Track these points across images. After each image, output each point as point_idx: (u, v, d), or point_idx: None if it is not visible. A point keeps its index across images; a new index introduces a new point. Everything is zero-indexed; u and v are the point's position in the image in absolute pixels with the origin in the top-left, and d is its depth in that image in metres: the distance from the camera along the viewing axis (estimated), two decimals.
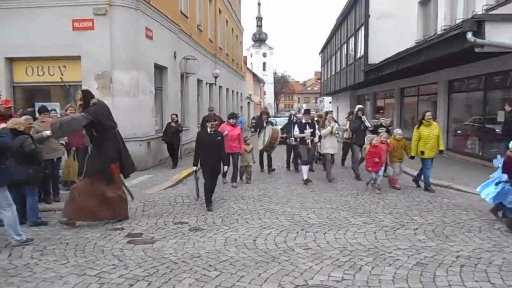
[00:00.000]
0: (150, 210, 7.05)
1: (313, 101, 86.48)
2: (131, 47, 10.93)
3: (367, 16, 20.71)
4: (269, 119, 12.61)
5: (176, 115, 12.38)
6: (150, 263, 4.55)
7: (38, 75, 11.09)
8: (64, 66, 11.00)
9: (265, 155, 11.37)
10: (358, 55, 22.63)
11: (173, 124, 11.98)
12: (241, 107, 35.79)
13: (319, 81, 57.89)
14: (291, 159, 11.71)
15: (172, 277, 4.17)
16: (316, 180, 9.83)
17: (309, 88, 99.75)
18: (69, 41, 10.49)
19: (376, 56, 18.51)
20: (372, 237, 5.46)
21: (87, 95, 6.48)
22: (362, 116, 10.12)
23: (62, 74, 6.69)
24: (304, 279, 4.09)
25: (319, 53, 42.41)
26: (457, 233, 5.58)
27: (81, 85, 10.90)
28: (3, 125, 5.52)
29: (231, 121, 9.30)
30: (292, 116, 12.01)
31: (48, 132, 6.73)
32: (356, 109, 10.56)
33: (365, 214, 6.71)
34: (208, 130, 7.35)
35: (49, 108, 8.45)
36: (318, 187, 9.12)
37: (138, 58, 11.17)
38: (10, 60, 10.96)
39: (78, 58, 10.68)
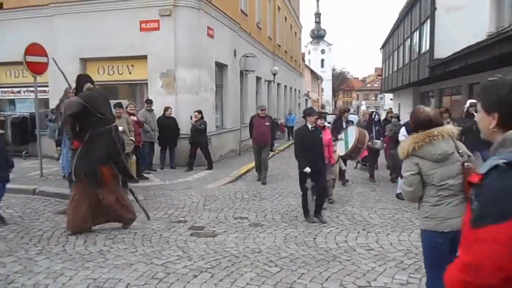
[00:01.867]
0: (211, 204, 7.24)
1: (373, 98, 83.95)
2: (194, 46, 11.26)
3: (433, 8, 19.72)
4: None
5: (199, 112, 10.55)
6: (212, 256, 4.69)
7: (108, 74, 11.80)
8: (132, 65, 11.61)
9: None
10: (423, 50, 21.62)
11: (192, 122, 10.50)
12: (299, 104, 35.61)
13: (379, 77, 56.13)
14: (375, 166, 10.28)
15: (234, 270, 4.26)
16: (377, 180, 9.57)
17: (368, 85, 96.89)
18: (137, 41, 11.04)
19: (443, 51, 17.57)
20: None
21: (80, 80, 5.68)
22: (474, 114, 8.31)
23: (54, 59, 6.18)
24: (367, 280, 4.01)
25: (380, 49, 41.08)
26: None
27: (147, 83, 11.46)
28: None
29: (319, 122, 6.73)
30: (374, 114, 10.16)
31: (120, 128, 7.12)
32: (467, 105, 7.81)
33: None
34: (309, 126, 6.27)
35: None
36: (379, 186, 8.88)
37: (200, 56, 11.49)
38: (84, 61, 11.74)
39: (144, 57, 11.21)
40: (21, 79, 12.61)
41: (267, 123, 9.44)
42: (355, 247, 4.99)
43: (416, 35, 23.75)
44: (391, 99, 43.37)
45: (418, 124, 3.00)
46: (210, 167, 10.64)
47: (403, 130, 6.94)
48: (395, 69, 32.00)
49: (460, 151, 2.88)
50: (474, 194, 1.33)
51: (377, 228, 5.76)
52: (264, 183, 9.16)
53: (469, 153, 2.95)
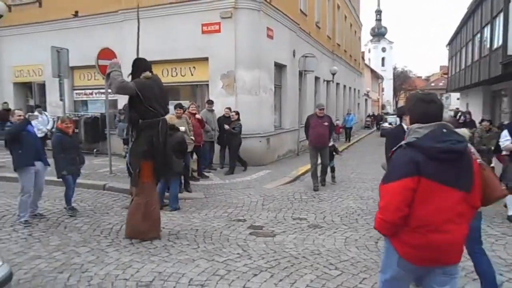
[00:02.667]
0: (270, 204, 7.27)
1: (438, 97, 79.60)
2: (254, 47, 11.39)
3: (507, 0, 18.36)
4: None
5: (236, 113, 10.36)
6: (271, 256, 4.71)
7: (171, 76, 12.26)
8: (194, 67, 11.98)
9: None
10: (495, 46, 20.21)
11: (227, 127, 10.15)
12: (358, 104, 34.78)
13: (445, 76, 53.31)
14: None
15: (293, 271, 4.25)
16: None
17: (433, 84, 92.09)
18: (199, 44, 11.38)
19: None
20: None
21: (138, 65, 5.31)
22: None
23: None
24: None
25: (446, 46, 38.98)
26: None
27: (208, 84, 11.76)
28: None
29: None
30: (460, 114, 8.66)
31: (182, 128, 7.37)
32: None
33: (504, 223, 5.99)
34: (405, 126, 5.79)
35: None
36: None
37: (260, 57, 11.59)
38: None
39: (206, 59, 11.52)
40: (93, 82, 13.50)
41: (326, 123, 8.66)
42: None
43: (487, 30, 22.27)
44: (457, 99, 40.99)
45: None
46: (231, 171, 10.12)
47: (505, 134, 6.05)
48: (463, 66, 30.21)
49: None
50: (388, 164, 2.20)
51: None
52: (323, 185, 8.93)
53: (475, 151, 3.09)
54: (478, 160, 2.83)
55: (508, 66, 17.31)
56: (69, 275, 4.14)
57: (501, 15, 19.01)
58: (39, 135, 10.86)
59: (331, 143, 9.24)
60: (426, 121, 2.29)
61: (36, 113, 7.82)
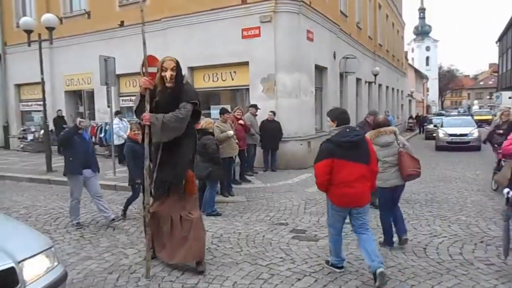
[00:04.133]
0: (312, 208, 7.20)
1: (487, 96, 76.06)
2: (293, 50, 11.36)
3: None
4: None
5: (273, 113, 10.81)
6: (315, 260, 4.65)
7: (213, 81, 12.47)
8: (235, 72, 12.11)
9: None
10: None
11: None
12: (402, 105, 33.76)
13: (494, 74, 50.78)
14: None
15: (338, 276, 4.18)
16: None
17: (482, 83, 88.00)
18: (239, 48, 11.49)
19: None
20: None
21: (180, 68, 4.37)
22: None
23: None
24: None
25: (496, 42, 37.14)
26: None
27: (248, 88, 11.85)
28: None
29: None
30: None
31: (231, 132, 7.41)
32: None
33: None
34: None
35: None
36: (498, 194, 7.99)
37: (300, 60, 11.54)
38: (191, 69, 12.56)
39: (246, 63, 11.62)
40: (138, 88, 13.91)
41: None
42: (472, 260, 4.56)
43: None
44: (509, 98, 38.85)
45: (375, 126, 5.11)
46: (274, 169, 10.87)
47: None
48: None
49: (398, 141, 4.90)
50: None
51: (498, 241, 5.17)
52: None
53: (406, 143, 5.02)
54: (401, 149, 4.83)
55: None
56: (118, 275, 4.29)
57: None
58: (119, 142, 11.38)
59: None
60: (342, 124, 4.09)
61: (86, 120, 8.14)
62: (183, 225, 4.38)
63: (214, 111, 11.64)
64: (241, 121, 9.34)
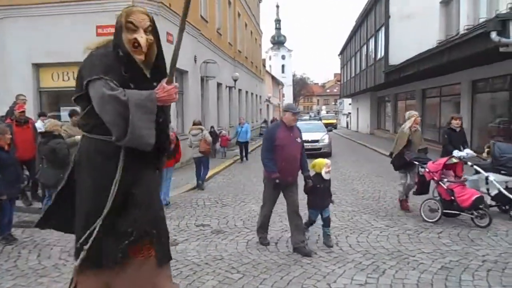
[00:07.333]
0: (172, 212, 7.14)
1: (333, 103, 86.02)
2: None
3: (387, 16, 20.53)
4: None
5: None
6: (173, 265, 4.58)
7: (63, 80, 11.42)
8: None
9: None
10: (379, 56, 22.44)
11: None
12: (260, 109, 35.87)
13: (338, 82, 57.56)
14: None
15: (195, 279, 4.22)
16: (336, 182, 9.76)
17: (328, 90, 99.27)
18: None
19: (397, 57, 18.34)
20: (395, 240, 5.40)
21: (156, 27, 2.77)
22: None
23: None
24: (327, 283, 4.08)
25: (339, 55, 42.19)
26: (483, 236, 5.47)
27: None
28: None
29: None
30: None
31: (79, 137, 6.81)
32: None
33: (387, 217, 6.64)
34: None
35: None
36: (339, 190, 9.07)
37: None
38: (37, 66, 11.30)
39: None
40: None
41: (299, 140, 5.29)
42: (315, 250, 5.07)
43: (372, 42, 24.62)
44: (349, 104, 44.56)
45: None
46: None
47: None
48: (353, 74, 32.97)
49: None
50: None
51: (337, 231, 5.87)
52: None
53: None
54: None
55: (389, 75, 19.31)
56: None
57: (383, 29, 21.18)
58: None
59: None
60: None
61: None
62: None
63: (64, 113, 10.64)
64: None
